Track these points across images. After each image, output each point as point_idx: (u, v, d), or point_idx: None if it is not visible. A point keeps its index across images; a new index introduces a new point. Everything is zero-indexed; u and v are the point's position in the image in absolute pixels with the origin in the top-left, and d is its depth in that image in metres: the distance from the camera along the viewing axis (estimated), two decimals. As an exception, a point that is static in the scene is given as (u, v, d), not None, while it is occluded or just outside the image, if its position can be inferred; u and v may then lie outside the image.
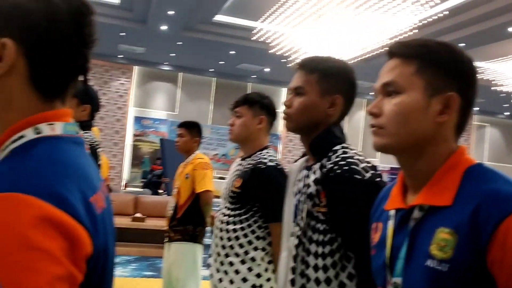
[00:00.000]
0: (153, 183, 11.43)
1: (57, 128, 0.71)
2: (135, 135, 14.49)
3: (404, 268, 0.92)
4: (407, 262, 0.92)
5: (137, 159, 14.37)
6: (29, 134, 0.69)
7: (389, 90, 0.96)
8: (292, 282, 1.41)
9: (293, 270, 1.41)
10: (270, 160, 2.12)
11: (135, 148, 14.48)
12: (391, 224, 0.99)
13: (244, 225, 2.06)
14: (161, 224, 5.48)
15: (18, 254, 0.56)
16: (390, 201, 1.03)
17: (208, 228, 3.53)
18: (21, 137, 0.68)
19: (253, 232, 2.06)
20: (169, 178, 8.06)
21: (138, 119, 14.55)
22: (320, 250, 1.36)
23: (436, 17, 7.64)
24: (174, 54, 12.82)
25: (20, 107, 0.70)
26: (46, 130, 0.70)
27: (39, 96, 0.71)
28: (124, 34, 10.89)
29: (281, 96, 15.27)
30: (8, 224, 0.57)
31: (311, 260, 1.37)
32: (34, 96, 0.71)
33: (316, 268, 1.36)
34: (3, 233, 0.56)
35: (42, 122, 0.70)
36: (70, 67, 0.73)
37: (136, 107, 14.75)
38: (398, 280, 0.93)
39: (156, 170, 11.99)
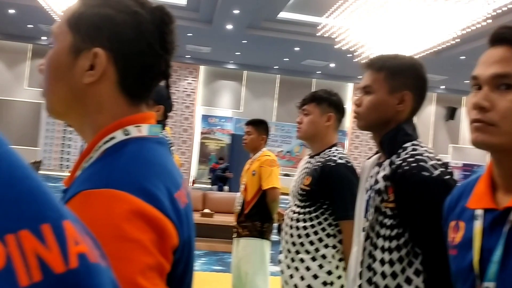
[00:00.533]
0: (219, 177, 11.59)
1: (143, 130, 0.76)
2: (202, 133, 14.84)
3: (498, 273, 0.87)
4: (502, 267, 0.86)
5: (204, 156, 14.72)
6: (119, 135, 0.74)
7: (504, 82, 0.87)
8: (360, 275, 1.44)
9: (362, 263, 1.45)
10: (340, 158, 2.11)
11: (202, 146, 14.83)
12: (479, 225, 0.93)
13: (314, 222, 2.07)
14: (229, 220, 5.59)
15: (113, 244, 0.60)
16: (475, 200, 0.97)
17: (275, 225, 3.57)
18: (112, 138, 0.74)
19: (323, 229, 2.06)
20: (232, 173, 8.15)
21: (205, 117, 14.89)
22: (386, 244, 1.38)
23: (511, 6, 7.22)
24: (239, 53, 12.98)
25: (110, 111, 0.75)
26: (134, 131, 0.75)
27: (126, 100, 0.76)
28: (191, 34, 11.18)
29: (347, 92, 15.05)
30: (104, 217, 0.62)
31: (378, 254, 1.39)
32: (122, 101, 0.76)
33: (382, 262, 1.38)
34: (100, 225, 0.61)
35: (130, 125, 0.75)
36: (153, 73, 0.78)
37: (203, 105, 15.10)
38: (490, 285, 0.88)
39: (217, 169, 12.16)
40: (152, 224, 0.64)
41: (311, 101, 2.23)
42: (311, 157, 2.23)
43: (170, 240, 0.67)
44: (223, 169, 11.33)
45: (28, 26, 11.96)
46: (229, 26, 10.36)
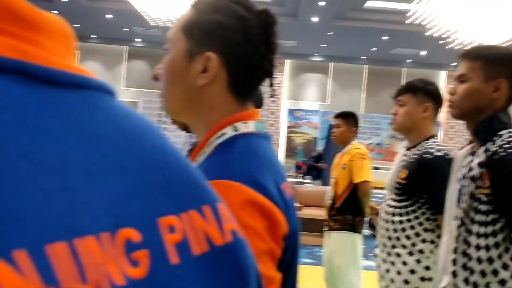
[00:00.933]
0: (313, 167, 11.17)
1: (250, 126, 0.82)
2: (288, 127, 14.92)
3: None
4: None
5: (290, 150, 14.80)
6: (229, 131, 0.80)
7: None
8: (454, 261, 1.46)
9: (455, 250, 1.47)
10: (438, 150, 2.04)
11: (289, 140, 14.92)
12: None
13: (411, 217, 2.02)
14: (318, 213, 5.60)
15: None
16: None
17: (366, 219, 3.52)
18: (223, 134, 0.80)
19: (420, 224, 2.01)
20: (327, 163, 7.82)
21: (291, 111, 14.95)
22: (482, 230, 1.40)
23: None
24: (325, 45, 12.87)
25: (221, 109, 0.82)
26: (242, 127, 0.81)
27: (235, 99, 0.83)
28: (276, 29, 11.26)
29: (440, 80, 14.37)
30: None
31: (473, 239, 1.42)
32: (231, 99, 0.82)
33: (478, 248, 1.40)
34: None
35: (238, 121, 0.81)
36: (259, 73, 0.83)
37: (288, 99, 15.17)
38: None
39: (302, 167, 11.96)
40: (264, 213, 0.69)
41: (406, 91, 2.17)
42: (408, 149, 2.18)
43: (280, 227, 0.72)
44: (315, 157, 10.87)
45: (124, 29, 12.70)
46: (315, 19, 10.30)
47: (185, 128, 2.04)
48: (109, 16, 11.50)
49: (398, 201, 2.07)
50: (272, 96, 0.90)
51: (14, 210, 0.18)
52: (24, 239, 0.18)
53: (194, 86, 0.80)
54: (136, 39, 13.95)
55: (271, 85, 0.88)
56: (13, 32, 0.23)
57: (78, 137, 0.24)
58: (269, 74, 0.86)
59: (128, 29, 12.68)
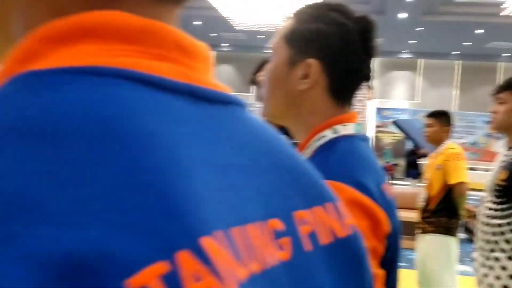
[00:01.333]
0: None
1: (350, 128, 0.85)
2: (376, 126, 14.59)
3: None
4: None
5: (379, 151, 14.43)
6: (328, 134, 0.84)
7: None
8: None
9: None
10: (542, 150, 1.94)
11: (377, 140, 14.58)
12: None
13: (511, 220, 1.93)
14: (410, 215, 5.43)
15: None
16: None
17: (461, 222, 3.38)
18: (323, 136, 0.84)
19: (521, 227, 1.92)
20: (425, 148, 6.94)
21: (378, 110, 14.61)
22: None
23: None
24: (414, 41, 12.45)
25: (321, 113, 0.86)
26: (342, 130, 0.84)
27: (334, 102, 0.86)
28: (362, 27, 11.09)
29: (542, 74, 13.35)
30: None
31: None
32: (331, 103, 0.86)
33: None
34: None
35: (338, 124, 0.85)
36: (358, 76, 0.87)
37: (376, 98, 14.84)
38: None
39: (390, 170, 11.45)
40: (367, 212, 0.72)
41: (506, 88, 2.08)
42: (509, 149, 2.08)
43: (383, 226, 0.75)
44: (411, 152, 10.02)
45: (211, 35, 13.14)
46: (403, 15, 10.01)
47: (281, 131, 2.10)
48: (197, 22, 11.95)
49: (497, 203, 1.99)
50: (369, 98, 0.92)
51: (209, 202, 0.23)
52: (219, 222, 0.23)
53: (295, 91, 0.85)
54: (222, 44, 14.37)
55: (370, 87, 0.91)
56: (179, 60, 0.29)
57: (231, 144, 0.29)
58: (368, 78, 0.88)
59: (215, 34, 13.10)
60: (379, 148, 14.49)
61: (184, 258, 0.20)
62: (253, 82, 1.41)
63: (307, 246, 0.32)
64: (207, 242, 0.21)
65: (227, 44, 14.32)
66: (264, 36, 11.30)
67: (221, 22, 10.73)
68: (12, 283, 0.16)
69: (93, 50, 0.25)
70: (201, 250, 0.20)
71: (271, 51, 0.89)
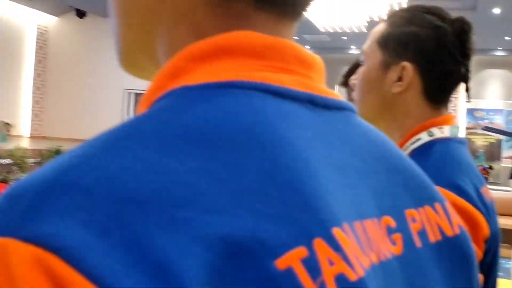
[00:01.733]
0: None
1: (446, 131, 0.84)
2: (467, 128, 13.82)
3: None
4: None
5: (471, 154, 13.67)
6: (424, 137, 0.84)
7: None
8: None
9: None
10: None
11: (469, 142, 13.81)
12: None
13: None
14: (506, 222, 5.10)
15: None
16: None
17: None
18: (418, 139, 0.84)
19: None
20: None
21: (469, 111, 13.84)
22: None
23: None
24: (510, 38, 11.67)
25: (416, 115, 0.86)
26: (437, 133, 0.84)
27: (429, 105, 0.86)
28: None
29: None
30: None
31: None
32: (425, 105, 0.86)
33: None
34: None
35: (433, 126, 0.84)
36: (454, 78, 0.86)
37: (470, 99, 14.07)
38: None
39: (484, 174, 10.66)
40: (465, 216, 0.71)
41: None
42: None
43: (482, 230, 0.74)
44: None
45: (293, 37, 13.16)
46: (496, 10, 9.43)
47: None
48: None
49: None
50: (468, 101, 0.91)
51: (336, 198, 0.27)
52: (345, 216, 0.26)
53: (389, 94, 0.86)
54: (305, 46, 14.35)
55: (467, 89, 0.89)
56: (298, 71, 0.32)
57: (347, 147, 0.32)
58: (466, 79, 0.87)
59: (297, 38, 13.13)
60: (472, 151, 13.66)
61: (320, 245, 0.23)
62: (345, 84, 1.41)
63: (417, 243, 0.34)
64: (337, 232, 0.24)
65: (309, 46, 14.29)
66: (346, 38, 11.17)
67: (304, 24, 10.74)
68: (193, 260, 0.20)
69: (229, 66, 0.29)
70: (333, 238, 0.24)
71: (361, 54, 0.90)
